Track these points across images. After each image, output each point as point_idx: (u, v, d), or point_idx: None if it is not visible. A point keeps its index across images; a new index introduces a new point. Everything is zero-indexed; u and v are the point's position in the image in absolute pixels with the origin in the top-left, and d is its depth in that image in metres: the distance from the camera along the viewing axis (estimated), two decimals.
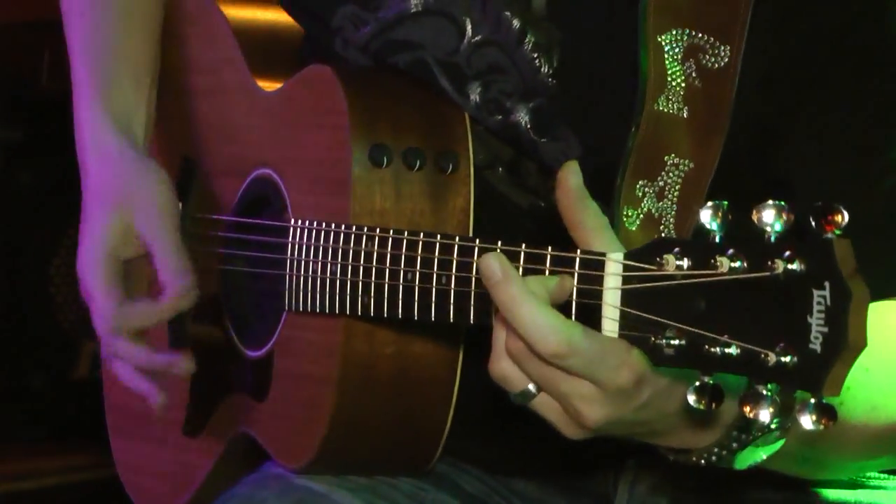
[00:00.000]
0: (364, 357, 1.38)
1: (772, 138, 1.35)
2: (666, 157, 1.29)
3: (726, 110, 1.29)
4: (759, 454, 1.10)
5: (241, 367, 1.57)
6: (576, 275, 1.05)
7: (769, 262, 0.88)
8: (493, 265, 1.01)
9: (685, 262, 0.95)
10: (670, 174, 1.29)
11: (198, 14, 1.75)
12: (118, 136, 1.57)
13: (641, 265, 0.99)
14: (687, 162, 1.29)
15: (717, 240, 0.92)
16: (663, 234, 1.26)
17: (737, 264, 0.90)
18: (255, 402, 1.52)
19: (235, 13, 1.71)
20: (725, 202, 0.92)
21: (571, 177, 1.04)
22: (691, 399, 0.91)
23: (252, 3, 1.72)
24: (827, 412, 0.85)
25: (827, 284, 0.85)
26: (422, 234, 1.25)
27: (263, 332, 1.50)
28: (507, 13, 1.40)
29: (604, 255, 1.02)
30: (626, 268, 1.00)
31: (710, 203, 0.93)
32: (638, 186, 1.27)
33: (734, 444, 1.08)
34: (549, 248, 1.05)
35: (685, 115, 1.31)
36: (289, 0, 1.60)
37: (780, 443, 1.08)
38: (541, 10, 1.41)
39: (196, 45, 1.77)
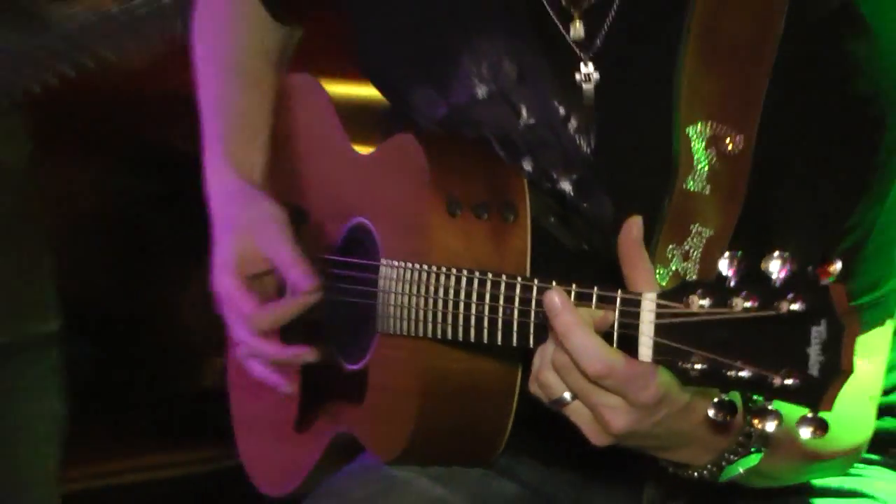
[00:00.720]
0: (441, 372, 1.53)
1: (770, 206, 1.49)
2: (692, 226, 1.45)
3: (742, 187, 1.43)
4: (737, 469, 1.25)
5: (341, 378, 1.72)
6: (617, 310, 1.19)
7: (775, 303, 1.04)
8: (555, 299, 1.16)
9: (706, 302, 1.10)
10: (694, 239, 1.45)
11: (305, 88, 1.95)
12: (239, 178, 1.79)
13: (671, 303, 1.14)
14: (708, 229, 1.45)
15: (733, 284, 1.07)
16: None
17: (748, 304, 1.06)
18: (353, 406, 1.68)
19: (334, 88, 1.90)
20: (740, 252, 1.07)
21: (635, 228, 1.19)
22: (711, 412, 1.07)
23: (347, 80, 1.89)
24: (821, 425, 1.00)
25: (823, 322, 1.02)
26: (490, 274, 1.39)
27: (359, 350, 1.66)
28: (555, 101, 1.54)
29: (640, 294, 1.17)
30: (658, 305, 1.15)
31: (727, 253, 1.09)
32: (668, 249, 1.43)
33: (724, 463, 1.23)
34: (595, 287, 1.19)
35: (708, 192, 1.47)
36: (376, 77, 1.76)
37: (759, 457, 1.22)
38: (588, 101, 1.55)
39: (303, 113, 1.97)
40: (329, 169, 1.91)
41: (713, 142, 1.49)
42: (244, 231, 1.72)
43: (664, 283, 1.42)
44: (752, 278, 1.08)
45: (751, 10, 1.52)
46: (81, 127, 2.95)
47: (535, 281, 1.32)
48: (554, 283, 1.24)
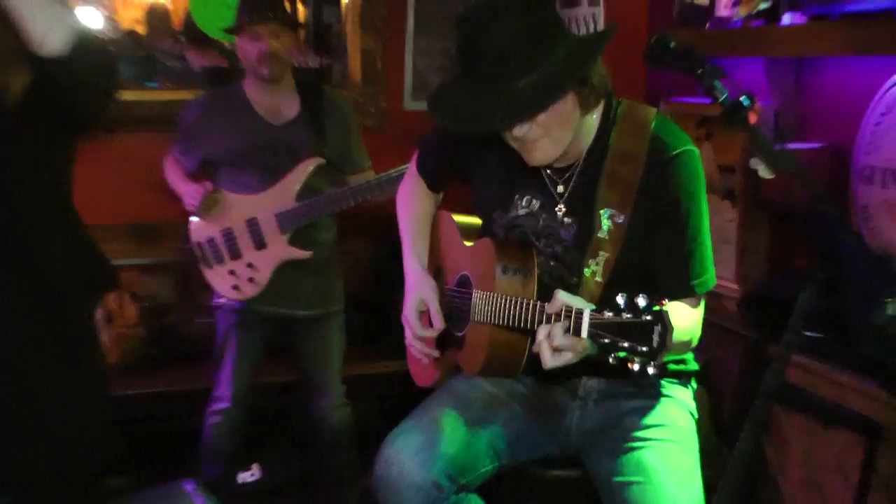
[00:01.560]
0: (496, 336, 2.30)
1: (633, 246, 2.20)
2: (599, 253, 2.20)
3: (621, 236, 2.18)
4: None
5: (454, 338, 2.57)
6: (573, 315, 1.87)
7: (641, 316, 1.76)
8: (545, 324, 1.95)
9: (610, 314, 1.79)
10: (600, 260, 2.19)
11: (444, 217, 2.76)
12: (417, 265, 2.66)
13: (596, 314, 1.84)
14: (605, 255, 2.19)
15: (622, 306, 1.77)
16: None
17: (628, 315, 1.77)
18: (458, 350, 2.53)
19: (457, 217, 2.72)
20: (626, 293, 1.77)
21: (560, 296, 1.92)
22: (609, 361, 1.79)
23: (463, 213, 2.71)
24: (660, 367, 1.77)
25: (659, 324, 1.73)
26: (518, 299, 2.20)
27: (461, 326, 2.51)
28: (553, 214, 2.31)
29: (582, 311, 1.85)
30: (591, 313, 1.83)
31: (621, 294, 1.77)
32: (589, 264, 2.19)
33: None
34: (564, 309, 1.91)
35: (607, 238, 2.20)
36: (478, 210, 2.56)
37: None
38: (563, 213, 2.32)
39: (444, 227, 2.77)
40: (452, 251, 2.70)
41: (610, 217, 2.21)
42: (417, 290, 2.58)
43: (587, 286, 2.18)
44: (630, 304, 1.78)
45: (630, 162, 2.21)
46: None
47: (538, 303, 2.09)
48: (545, 305, 1.99)
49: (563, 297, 1.92)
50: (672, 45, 2.07)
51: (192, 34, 4.94)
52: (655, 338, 1.75)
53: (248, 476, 4.18)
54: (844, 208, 3.20)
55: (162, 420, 4.25)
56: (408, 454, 2.25)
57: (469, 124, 2.12)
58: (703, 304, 2.28)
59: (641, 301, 1.77)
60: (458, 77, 2.14)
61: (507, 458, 2.38)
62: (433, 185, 2.72)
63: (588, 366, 2.05)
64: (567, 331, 1.90)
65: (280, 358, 3.96)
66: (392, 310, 3.54)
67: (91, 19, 4.70)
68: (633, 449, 2.27)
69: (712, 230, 2.32)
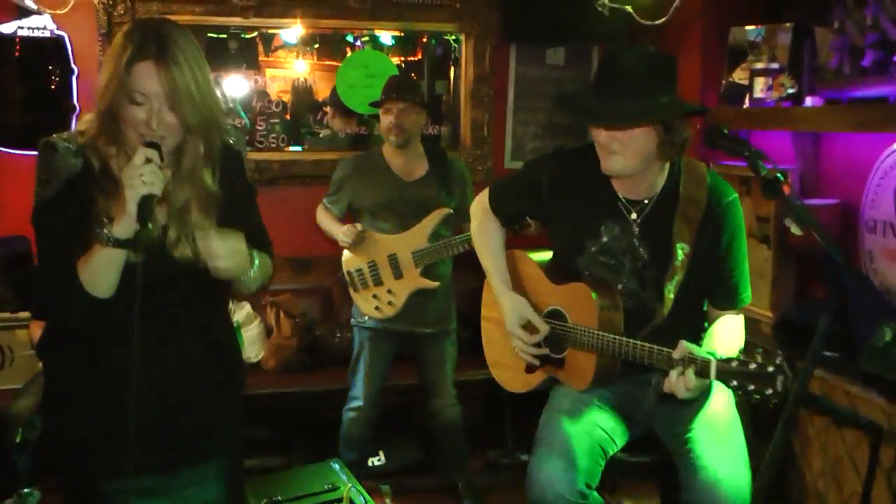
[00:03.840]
0: (602, 362, 2.45)
1: (697, 270, 2.40)
2: (674, 276, 2.39)
3: (688, 263, 2.40)
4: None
5: (550, 359, 2.65)
6: (699, 363, 2.13)
7: (767, 367, 2.01)
8: (675, 367, 2.17)
9: (735, 363, 2.06)
10: (675, 280, 2.40)
11: (518, 257, 2.85)
12: (508, 289, 2.74)
13: (722, 362, 2.08)
14: (678, 278, 2.42)
15: (742, 357, 2.05)
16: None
17: (753, 366, 2.03)
18: (557, 369, 2.63)
19: (532, 255, 2.81)
20: (760, 349, 2.27)
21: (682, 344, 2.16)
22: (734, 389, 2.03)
23: (539, 249, 2.80)
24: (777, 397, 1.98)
25: (780, 376, 1.99)
26: (645, 346, 2.31)
27: (559, 350, 2.61)
28: (632, 241, 2.49)
29: (709, 360, 2.11)
30: (717, 362, 2.08)
31: (740, 355, 2.08)
32: (667, 286, 2.41)
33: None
34: (699, 358, 2.13)
35: (679, 265, 2.40)
36: (554, 247, 2.68)
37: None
38: (638, 240, 2.48)
39: (519, 267, 2.84)
40: (536, 285, 2.74)
41: (682, 248, 2.42)
42: (514, 308, 2.67)
43: (666, 301, 2.40)
44: (750, 358, 2.04)
45: (695, 205, 2.41)
46: None
47: (665, 350, 2.24)
48: (671, 352, 2.17)
49: (686, 347, 2.16)
50: (725, 131, 2.28)
51: (336, 106, 5.40)
52: (779, 385, 2.00)
53: (375, 460, 4.48)
54: (853, 253, 3.39)
55: (310, 413, 4.55)
56: (556, 478, 2.36)
57: (581, 117, 2.39)
58: (743, 314, 2.55)
59: (759, 357, 2.05)
60: (593, 89, 2.35)
61: (609, 453, 2.54)
62: (507, 223, 2.87)
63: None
64: (697, 374, 2.14)
65: (404, 365, 4.16)
66: None
67: (244, 90, 5.19)
68: (697, 413, 2.49)
69: (751, 268, 2.55)
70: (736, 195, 2.48)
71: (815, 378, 3.07)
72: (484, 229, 2.85)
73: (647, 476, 2.98)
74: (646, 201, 2.49)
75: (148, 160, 1.86)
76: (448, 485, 4.24)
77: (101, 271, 1.91)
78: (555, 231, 2.68)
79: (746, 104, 3.94)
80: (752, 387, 2.01)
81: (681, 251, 2.41)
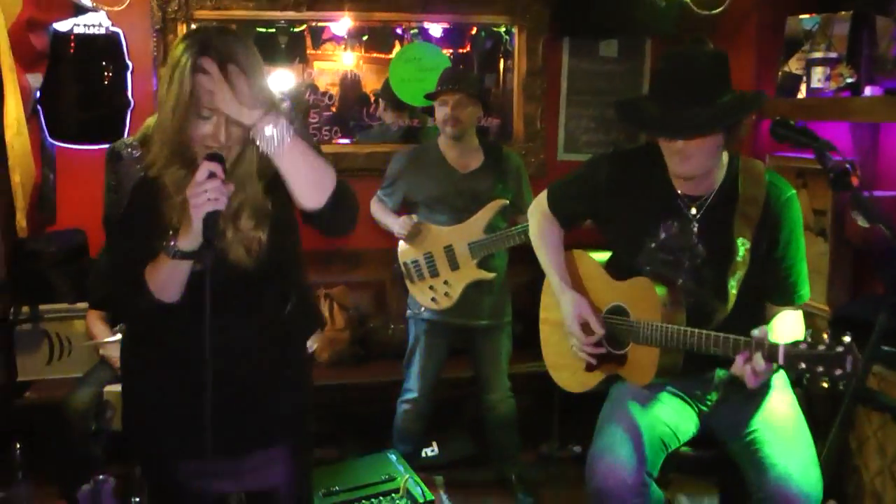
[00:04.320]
0: (665, 355, 2.45)
1: (757, 265, 2.43)
2: (737, 272, 2.43)
3: (748, 259, 2.42)
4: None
5: (610, 356, 2.67)
6: (767, 347, 2.15)
7: (833, 348, 2.02)
8: (742, 352, 2.20)
9: (804, 346, 2.07)
10: (736, 276, 2.42)
11: (579, 257, 2.85)
12: (569, 288, 2.75)
13: (790, 347, 2.09)
14: (739, 273, 2.43)
15: (811, 340, 2.06)
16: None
17: (822, 347, 2.04)
18: (618, 365, 2.63)
19: (593, 254, 2.82)
20: (824, 334, 2.04)
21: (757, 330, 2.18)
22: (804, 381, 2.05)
23: (597, 249, 2.81)
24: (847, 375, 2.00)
25: (849, 356, 2.01)
26: (679, 327, 2.37)
27: (620, 346, 2.61)
28: (688, 237, 2.51)
29: (777, 344, 2.13)
30: (784, 346, 2.11)
31: (809, 336, 2.07)
32: (729, 282, 2.43)
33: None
34: (767, 341, 2.16)
35: (740, 261, 2.44)
36: (621, 241, 2.69)
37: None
38: (697, 236, 2.51)
39: (579, 266, 2.86)
40: (597, 284, 2.77)
41: (742, 244, 2.44)
42: (575, 307, 2.69)
43: (730, 297, 2.43)
44: (817, 339, 2.05)
45: (754, 203, 2.43)
46: None
47: (731, 337, 2.26)
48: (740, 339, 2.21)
49: (756, 333, 2.19)
50: (792, 123, 2.30)
51: (388, 98, 5.42)
52: (848, 365, 2.01)
53: (429, 451, 4.51)
54: None
55: (363, 404, 4.55)
56: (620, 465, 2.40)
57: (657, 131, 2.39)
58: (801, 309, 2.57)
59: (826, 338, 2.05)
60: (653, 96, 2.40)
61: (671, 447, 2.58)
62: (566, 224, 2.89)
63: (718, 361, 2.34)
64: (765, 358, 2.16)
65: (456, 359, 4.17)
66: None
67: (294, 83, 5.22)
68: (756, 412, 2.53)
69: (807, 262, 2.57)
70: (794, 192, 2.50)
71: (873, 374, 3.05)
72: (543, 230, 2.88)
73: (703, 472, 3.00)
74: (705, 197, 2.51)
75: (212, 175, 1.89)
76: (500, 478, 4.26)
77: (168, 280, 1.99)
78: (613, 230, 2.71)
79: (802, 94, 3.93)
80: (820, 368, 2.01)
81: (742, 247, 2.43)
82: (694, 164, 2.41)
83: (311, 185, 1.94)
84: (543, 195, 2.92)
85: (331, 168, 2.00)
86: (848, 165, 2.13)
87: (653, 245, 2.58)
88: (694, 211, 2.52)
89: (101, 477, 3.22)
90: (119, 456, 3.35)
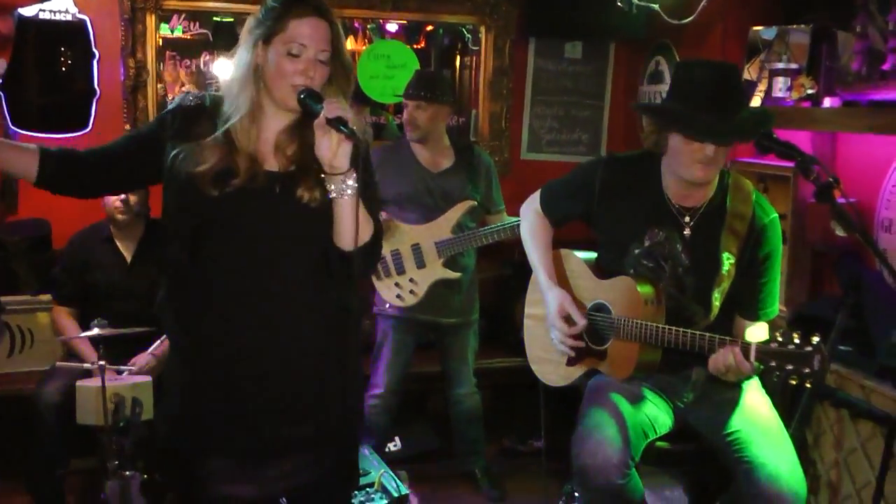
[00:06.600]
0: (644, 351, 2.52)
1: (740, 279, 2.52)
2: (722, 283, 2.48)
3: (734, 273, 2.50)
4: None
5: (592, 351, 2.73)
6: (740, 346, 2.22)
7: (804, 346, 2.12)
8: (717, 350, 2.28)
9: (775, 345, 2.16)
10: (721, 287, 2.47)
11: (565, 256, 2.93)
12: (555, 285, 2.79)
13: (760, 346, 2.18)
14: (725, 285, 2.47)
15: (782, 339, 2.14)
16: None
17: (792, 346, 2.13)
18: (599, 360, 2.70)
19: (579, 253, 2.89)
20: (794, 333, 2.10)
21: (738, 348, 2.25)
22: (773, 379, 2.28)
23: (585, 249, 2.87)
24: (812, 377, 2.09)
25: (818, 356, 2.10)
26: (656, 324, 2.45)
27: (601, 342, 2.67)
28: (676, 245, 2.54)
29: (750, 344, 2.20)
30: (756, 346, 2.18)
31: (780, 332, 2.13)
32: (714, 292, 2.50)
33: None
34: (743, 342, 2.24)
35: (725, 273, 2.49)
36: (604, 247, 2.76)
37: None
38: (687, 244, 2.57)
39: (565, 265, 2.93)
40: (582, 282, 2.84)
41: (727, 259, 2.50)
42: (558, 301, 2.74)
43: (713, 309, 2.49)
44: (788, 339, 2.12)
45: (741, 220, 2.50)
46: None
47: (708, 335, 2.34)
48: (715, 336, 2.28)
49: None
50: (775, 136, 2.38)
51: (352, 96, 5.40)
52: (816, 364, 2.08)
53: (392, 446, 4.55)
54: (868, 252, 3.36)
55: None
56: (608, 443, 2.45)
57: (719, 137, 2.39)
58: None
59: (797, 338, 2.12)
60: (696, 104, 2.41)
61: (649, 437, 2.64)
62: (557, 224, 2.93)
63: (697, 358, 2.41)
64: (740, 356, 2.24)
65: (421, 353, 4.23)
66: (511, 317, 4.11)
67: None
68: (734, 411, 2.58)
69: None
70: (776, 215, 2.58)
71: (831, 372, 3.13)
72: (534, 229, 2.91)
73: (670, 464, 3.06)
74: (697, 208, 2.59)
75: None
76: (465, 471, 4.32)
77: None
78: (602, 233, 2.77)
79: (757, 102, 3.96)
80: (790, 366, 2.09)
81: (727, 261, 2.51)
82: (714, 169, 2.48)
83: (349, 233, 2.02)
84: (537, 195, 2.96)
85: (371, 221, 2.09)
86: (831, 179, 2.22)
87: (637, 251, 2.63)
88: (688, 218, 2.59)
89: (128, 473, 3.19)
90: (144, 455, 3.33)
